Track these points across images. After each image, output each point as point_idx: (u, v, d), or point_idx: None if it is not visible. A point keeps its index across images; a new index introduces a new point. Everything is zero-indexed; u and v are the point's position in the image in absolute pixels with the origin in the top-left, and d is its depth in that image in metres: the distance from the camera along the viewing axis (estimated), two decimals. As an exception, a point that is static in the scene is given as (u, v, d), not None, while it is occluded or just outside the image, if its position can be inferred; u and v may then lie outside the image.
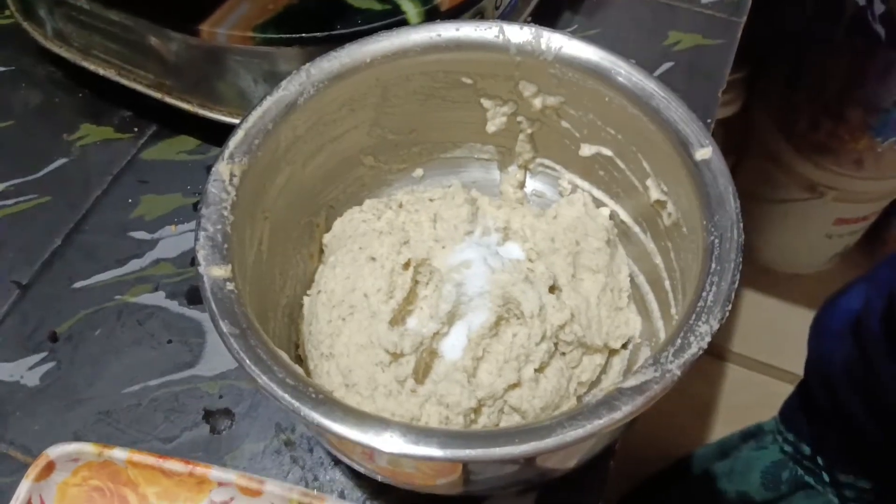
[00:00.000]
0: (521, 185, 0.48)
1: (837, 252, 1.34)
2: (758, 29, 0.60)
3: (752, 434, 0.69)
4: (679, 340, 0.30)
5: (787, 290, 1.41)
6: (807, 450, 0.60)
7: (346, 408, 0.29)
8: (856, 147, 1.08)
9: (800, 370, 1.33)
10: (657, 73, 0.57)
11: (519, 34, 0.41)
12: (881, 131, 1.04)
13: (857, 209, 1.21)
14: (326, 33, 0.45)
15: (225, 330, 0.31)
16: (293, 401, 0.29)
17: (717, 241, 0.33)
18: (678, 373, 0.29)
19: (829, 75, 1.01)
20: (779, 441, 0.63)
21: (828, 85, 1.02)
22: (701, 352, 0.29)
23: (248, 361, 0.30)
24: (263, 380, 0.30)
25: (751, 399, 1.23)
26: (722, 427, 1.23)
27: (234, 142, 0.37)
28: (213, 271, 0.33)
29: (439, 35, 0.41)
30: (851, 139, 1.06)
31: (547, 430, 0.28)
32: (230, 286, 0.33)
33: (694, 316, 0.30)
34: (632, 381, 0.29)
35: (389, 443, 0.28)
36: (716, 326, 0.30)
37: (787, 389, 1.29)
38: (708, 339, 0.30)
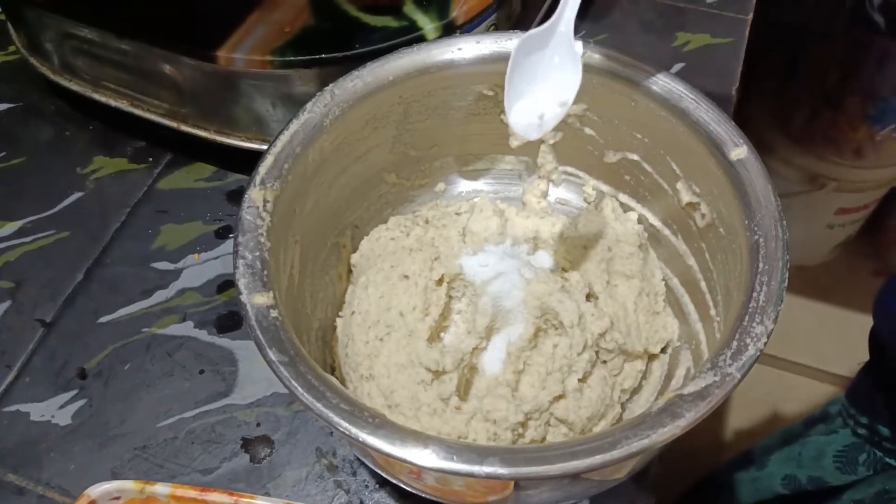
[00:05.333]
0: (545, 195, 0.48)
1: (839, 242, 1.34)
2: (753, 23, 0.61)
3: (819, 419, 0.68)
4: (735, 343, 0.30)
5: (792, 283, 1.41)
6: (885, 431, 0.59)
7: (406, 430, 0.29)
8: (855, 136, 1.08)
9: (809, 362, 1.32)
10: (668, 74, 0.57)
11: (540, 44, 0.40)
12: (879, 120, 1.04)
13: (857, 198, 1.21)
14: (345, 53, 0.44)
15: (274, 358, 0.31)
16: (351, 427, 0.29)
17: (761, 240, 0.33)
18: (738, 376, 0.29)
19: (827, 66, 1.01)
20: (850, 424, 0.62)
21: (825, 76, 1.03)
22: (759, 353, 0.29)
23: (300, 389, 0.30)
24: (318, 407, 0.29)
25: (763, 393, 1.23)
26: (737, 422, 1.23)
27: (264, 167, 0.37)
28: (256, 299, 0.32)
29: (460, 49, 0.41)
30: (850, 129, 1.07)
31: (611, 442, 0.28)
32: (274, 313, 0.32)
33: (747, 317, 0.30)
34: (692, 388, 0.29)
35: (489, 470, 0.27)
36: (771, 327, 0.30)
37: (798, 381, 1.29)
38: (765, 339, 0.29)
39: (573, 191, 0.47)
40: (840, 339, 1.28)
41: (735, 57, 0.57)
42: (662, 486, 0.41)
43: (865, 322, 0.61)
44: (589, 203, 0.46)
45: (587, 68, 0.40)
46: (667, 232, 0.43)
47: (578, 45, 0.35)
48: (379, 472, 0.38)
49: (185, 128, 0.51)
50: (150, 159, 0.55)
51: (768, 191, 0.34)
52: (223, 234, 0.51)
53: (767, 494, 0.73)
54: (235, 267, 0.33)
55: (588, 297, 0.40)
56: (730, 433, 1.23)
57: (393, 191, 0.47)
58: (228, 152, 0.51)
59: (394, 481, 0.37)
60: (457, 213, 0.45)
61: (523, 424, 0.37)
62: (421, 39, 0.45)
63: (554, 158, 0.46)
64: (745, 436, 1.22)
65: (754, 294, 0.31)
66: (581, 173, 0.46)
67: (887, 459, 0.59)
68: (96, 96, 0.53)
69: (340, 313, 0.43)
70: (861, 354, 0.65)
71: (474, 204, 0.45)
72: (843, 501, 0.62)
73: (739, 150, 0.35)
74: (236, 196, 0.52)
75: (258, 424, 0.43)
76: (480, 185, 0.48)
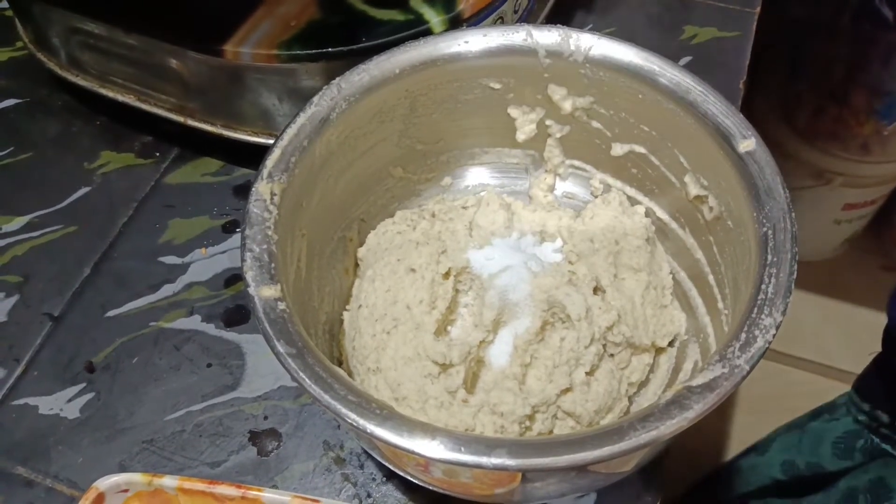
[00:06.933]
0: (551, 189, 0.48)
1: (846, 238, 1.34)
2: (759, 17, 0.60)
3: (823, 410, 0.68)
4: (744, 335, 0.29)
5: (798, 278, 1.40)
6: (884, 417, 0.58)
7: (413, 422, 0.29)
8: (862, 131, 1.08)
9: (814, 357, 1.32)
10: (675, 68, 0.57)
11: (547, 36, 0.40)
12: (887, 114, 1.04)
13: (864, 193, 1.21)
14: (352, 47, 0.44)
15: (282, 350, 0.31)
16: (359, 418, 0.29)
17: (770, 232, 0.32)
18: (747, 368, 0.29)
19: (833, 61, 1.01)
20: (853, 412, 0.62)
21: (831, 71, 1.03)
22: (768, 346, 0.29)
23: (308, 381, 0.30)
24: (326, 399, 0.29)
25: (768, 389, 1.23)
26: (743, 418, 1.23)
27: (271, 161, 0.37)
28: (264, 292, 0.33)
29: (467, 42, 0.41)
30: (857, 124, 1.07)
31: (619, 433, 0.28)
32: (281, 306, 0.32)
33: (756, 309, 0.30)
34: (700, 379, 0.29)
35: (496, 461, 0.27)
36: (780, 319, 0.30)
37: (804, 377, 1.29)
38: (773, 332, 0.29)
39: (580, 184, 0.47)
40: (846, 335, 1.28)
41: (742, 50, 0.57)
42: (667, 482, 0.41)
43: (872, 318, 0.61)
44: (596, 196, 0.46)
45: (596, 60, 0.40)
46: (674, 225, 0.43)
47: None
48: (386, 464, 0.38)
49: (191, 122, 0.51)
50: (157, 154, 0.55)
51: (777, 183, 0.34)
52: (230, 228, 0.51)
53: (766, 480, 0.73)
54: (243, 259, 0.34)
55: (595, 290, 0.40)
56: (734, 429, 1.23)
57: (399, 185, 0.47)
58: (235, 147, 0.51)
59: (401, 474, 0.37)
60: (463, 207, 0.45)
61: (530, 417, 0.37)
62: (427, 33, 0.45)
63: (561, 152, 0.46)
64: (749, 432, 1.21)
65: (763, 286, 0.31)
66: (588, 167, 0.46)
67: (883, 445, 0.59)
68: (103, 91, 0.53)
69: (347, 307, 0.43)
70: (867, 350, 0.65)
71: (481, 198, 0.45)
72: (839, 488, 0.62)
73: (748, 142, 0.35)
74: (243, 190, 0.52)
75: (266, 418, 0.43)
76: (487, 178, 0.48)
